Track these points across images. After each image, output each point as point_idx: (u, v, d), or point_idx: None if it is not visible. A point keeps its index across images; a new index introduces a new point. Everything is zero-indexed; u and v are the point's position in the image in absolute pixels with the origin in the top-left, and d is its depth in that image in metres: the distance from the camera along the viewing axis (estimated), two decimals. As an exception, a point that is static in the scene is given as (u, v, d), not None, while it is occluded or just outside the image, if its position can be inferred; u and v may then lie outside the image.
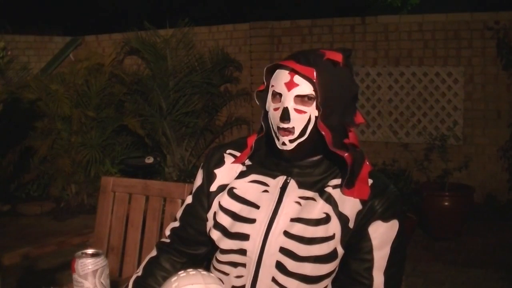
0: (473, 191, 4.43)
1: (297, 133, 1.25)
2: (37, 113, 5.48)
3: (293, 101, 1.24)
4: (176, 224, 1.42)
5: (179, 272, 1.13)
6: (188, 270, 1.13)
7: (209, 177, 1.38)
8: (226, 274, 1.31)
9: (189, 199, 1.42)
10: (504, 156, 4.98)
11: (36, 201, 5.67)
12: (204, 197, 1.38)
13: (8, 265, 1.96)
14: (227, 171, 1.37)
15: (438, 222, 4.30)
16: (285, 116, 1.23)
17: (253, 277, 1.26)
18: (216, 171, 1.38)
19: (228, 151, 1.40)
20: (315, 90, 1.23)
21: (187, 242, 1.40)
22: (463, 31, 5.07)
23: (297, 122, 1.24)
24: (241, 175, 1.35)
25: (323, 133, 1.22)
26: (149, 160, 5.63)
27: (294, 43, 5.83)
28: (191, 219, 1.40)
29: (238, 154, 1.38)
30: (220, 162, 1.39)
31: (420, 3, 9.42)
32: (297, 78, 1.24)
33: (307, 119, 1.24)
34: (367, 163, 1.30)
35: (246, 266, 1.27)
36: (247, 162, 1.37)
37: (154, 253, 1.42)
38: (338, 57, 1.25)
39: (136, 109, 5.82)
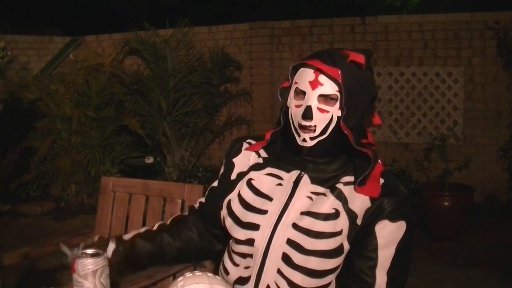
0: (473, 191, 4.43)
1: (318, 131, 1.27)
2: (37, 113, 5.47)
3: (317, 100, 1.26)
4: (203, 200, 1.54)
5: (185, 273, 1.17)
6: (195, 271, 1.17)
7: (229, 167, 1.45)
8: (237, 265, 1.35)
9: (215, 183, 1.51)
10: (504, 156, 4.98)
11: (36, 201, 5.67)
12: (226, 185, 1.43)
13: (8, 265, 1.96)
14: (243, 158, 1.42)
15: (438, 222, 4.30)
16: (307, 114, 1.26)
17: (259, 267, 1.28)
18: (234, 160, 1.44)
19: (247, 140, 1.46)
20: (339, 91, 1.25)
21: (208, 219, 1.49)
22: (463, 31, 5.07)
23: (319, 120, 1.27)
24: (258, 167, 1.39)
25: (345, 133, 1.25)
26: (149, 160, 5.62)
27: (294, 43, 5.83)
28: (212, 201, 1.48)
29: (254, 143, 1.44)
30: (238, 151, 1.45)
31: (420, 3, 9.42)
32: (322, 78, 1.26)
33: (329, 119, 1.27)
34: (380, 163, 1.31)
35: (253, 257, 1.30)
36: (264, 154, 1.41)
37: (185, 212, 1.55)
38: (361, 58, 1.27)
39: (136, 109, 5.82)
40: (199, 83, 5.81)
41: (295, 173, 1.33)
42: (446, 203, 4.28)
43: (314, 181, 1.31)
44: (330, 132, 1.27)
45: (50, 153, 5.47)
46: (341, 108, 1.25)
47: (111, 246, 1.36)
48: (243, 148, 1.44)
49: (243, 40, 6.13)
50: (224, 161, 1.49)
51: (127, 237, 1.44)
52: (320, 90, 1.26)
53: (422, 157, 5.06)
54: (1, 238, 4.41)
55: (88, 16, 9.94)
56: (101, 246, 1.33)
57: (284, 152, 1.37)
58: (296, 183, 1.31)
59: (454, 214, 4.27)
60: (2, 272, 1.86)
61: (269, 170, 1.36)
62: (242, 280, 1.32)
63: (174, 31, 5.91)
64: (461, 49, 5.09)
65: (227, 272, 1.37)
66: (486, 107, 5.03)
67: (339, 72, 1.24)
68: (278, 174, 1.35)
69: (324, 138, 1.28)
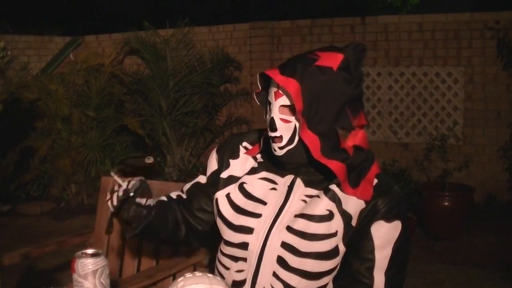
0: (473, 191, 4.43)
1: (285, 141, 1.28)
2: (37, 113, 5.48)
3: (279, 111, 1.27)
4: (180, 194, 1.49)
5: (186, 274, 1.17)
6: (195, 272, 1.19)
7: (223, 164, 1.43)
8: (227, 268, 1.35)
9: (202, 179, 1.47)
10: (504, 156, 4.98)
11: (36, 201, 5.67)
12: (216, 181, 1.42)
13: (8, 265, 1.96)
14: (241, 164, 1.41)
15: (438, 222, 4.30)
16: (272, 125, 1.27)
17: (255, 271, 1.28)
18: (232, 161, 1.42)
19: (244, 143, 1.44)
20: (297, 101, 1.23)
21: (190, 213, 1.46)
22: (463, 31, 5.07)
23: (284, 130, 1.27)
24: (253, 171, 1.38)
25: (306, 143, 1.23)
26: (149, 160, 5.62)
27: (294, 43, 5.83)
28: (200, 195, 1.45)
29: (250, 147, 1.43)
30: (235, 154, 1.43)
31: (420, 3, 9.41)
32: (282, 89, 1.26)
33: (293, 128, 1.27)
34: (376, 165, 1.30)
35: (248, 260, 1.29)
36: (259, 159, 1.40)
37: (163, 198, 1.48)
38: (332, 61, 1.24)
39: (136, 109, 5.82)
40: (199, 83, 5.81)
41: (289, 178, 1.33)
42: (446, 203, 4.28)
43: (308, 184, 1.31)
44: (298, 140, 1.27)
45: (50, 153, 5.47)
46: (297, 118, 1.25)
47: (150, 201, 1.34)
48: (241, 153, 1.43)
49: (243, 40, 6.13)
50: (216, 156, 1.46)
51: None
52: (281, 101, 1.26)
53: (422, 157, 5.07)
54: (1, 238, 4.42)
55: (88, 16, 9.94)
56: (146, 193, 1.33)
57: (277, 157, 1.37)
58: (291, 187, 1.31)
59: (454, 214, 4.27)
60: (2, 272, 1.86)
61: (263, 174, 1.36)
62: (237, 284, 1.32)
63: (174, 31, 5.91)
64: (461, 49, 5.09)
65: (222, 277, 1.37)
66: (486, 107, 5.03)
67: (296, 82, 1.23)
68: (273, 179, 1.34)
69: (293, 147, 1.28)
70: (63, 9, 9.79)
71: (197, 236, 1.49)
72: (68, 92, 5.45)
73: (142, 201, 1.30)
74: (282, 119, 1.27)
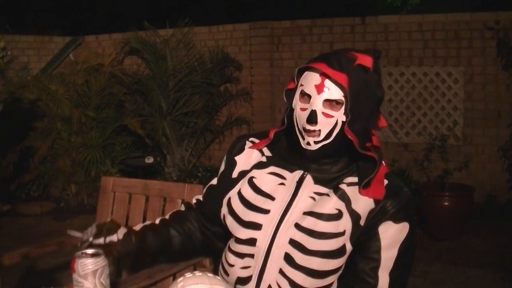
0: (473, 191, 4.43)
1: (323, 135, 1.27)
2: (37, 113, 5.48)
3: (322, 105, 1.26)
4: (200, 197, 1.54)
5: (186, 274, 1.17)
6: (194, 271, 1.19)
7: (230, 164, 1.44)
8: (231, 265, 1.34)
9: (214, 181, 1.50)
10: (504, 156, 4.98)
11: (36, 201, 5.67)
12: (226, 182, 1.43)
13: (8, 265, 1.96)
14: (245, 157, 1.42)
15: (438, 222, 4.30)
16: (312, 118, 1.25)
17: (261, 267, 1.28)
18: (237, 158, 1.43)
19: (250, 139, 1.45)
20: (345, 96, 1.24)
21: (207, 217, 1.49)
22: (463, 31, 5.07)
23: (324, 125, 1.26)
24: (261, 165, 1.38)
25: (350, 138, 1.24)
26: (149, 160, 5.63)
27: (294, 43, 5.83)
28: (211, 199, 1.48)
29: (258, 141, 1.43)
30: (241, 150, 1.44)
31: (420, 3, 9.40)
32: (328, 82, 1.25)
33: (333, 123, 1.26)
34: (384, 164, 1.31)
35: (255, 257, 1.29)
36: (268, 153, 1.40)
37: (181, 208, 1.53)
38: (368, 62, 1.26)
39: (136, 109, 5.83)
40: (199, 83, 5.81)
41: (298, 173, 1.33)
42: (446, 203, 4.28)
43: (317, 181, 1.31)
44: (335, 136, 1.27)
45: (50, 153, 5.47)
46: (345, 113, 1.25)
47: (122, 230, 1.39)
48: (246, 147, 1.44)
49: (243, 40, 6.13)
50: (225, 158, 1.48)
51: (137, 228, 1.45)
52: (326, 95, 1.25)
53: (422, 157, 5.07)
54: (1, 238, 4.41)
55: (88, 16, 9.94)
56: (112, 228, 1.38)
57: (288, 152, 1.37)
58: (299, 183, 1.31)
59: (454, 214, 4.27)
60: (2, 272, 1.86)
61: (272, 169, 1.36)
62: (243, 280, 1.32)
63: (174, 31, 5.91)
64: (461, 49, 5.09)
65: (226, 273, 1.38)
66: (486, 107, 5.04)
67: (346, 77, 1.23)
68: (281, 174, 1.34)
69: (328, 143, 1.27)
70: (63, 9, 9.78)
71: (218, 237, 1.48)
72: (68, 92, 5.45)
73: (113, 237, 1.36)
74: (324, 113, 1.26)
